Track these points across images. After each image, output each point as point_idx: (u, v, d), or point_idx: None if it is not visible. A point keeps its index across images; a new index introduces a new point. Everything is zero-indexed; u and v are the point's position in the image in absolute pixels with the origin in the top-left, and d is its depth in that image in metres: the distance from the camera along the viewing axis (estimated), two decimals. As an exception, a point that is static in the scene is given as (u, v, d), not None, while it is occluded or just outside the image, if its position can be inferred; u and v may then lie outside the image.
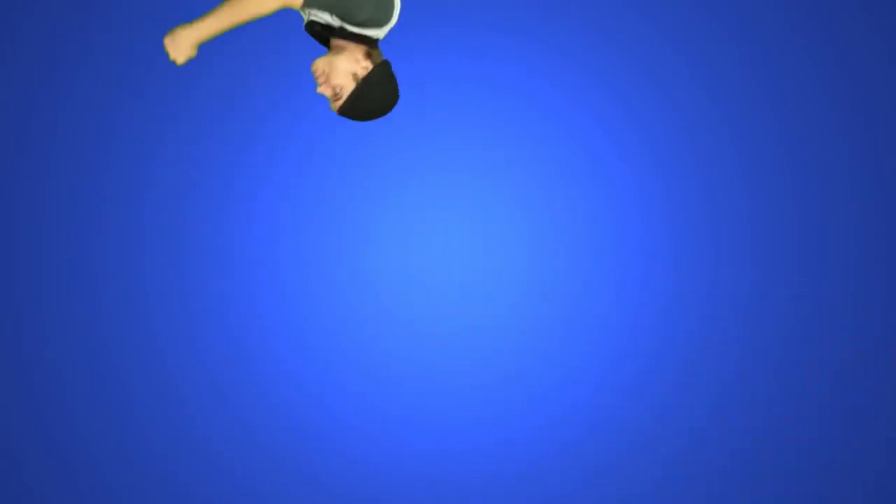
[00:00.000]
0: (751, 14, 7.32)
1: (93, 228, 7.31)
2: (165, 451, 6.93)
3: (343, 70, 3.71)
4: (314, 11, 3.68)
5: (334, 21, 3.70)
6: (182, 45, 3.76)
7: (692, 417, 7.13)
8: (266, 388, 7.21)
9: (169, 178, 7.40)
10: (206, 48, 7.40)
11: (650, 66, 7.40)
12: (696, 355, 7.25)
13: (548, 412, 7.26)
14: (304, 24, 3.85)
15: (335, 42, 3.74)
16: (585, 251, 7.45)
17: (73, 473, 6.71)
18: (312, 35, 3.81)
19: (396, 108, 7.56)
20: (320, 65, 3.74)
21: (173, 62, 3.76)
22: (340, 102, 3.75)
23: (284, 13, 4.15)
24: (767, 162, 7.34)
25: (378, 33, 3.72)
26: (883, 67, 7.21)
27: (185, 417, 7.10)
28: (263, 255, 7.41)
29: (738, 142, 7.37)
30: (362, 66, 3.72)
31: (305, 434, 7.17)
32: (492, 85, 7.47)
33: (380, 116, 3.72)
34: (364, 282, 7.47)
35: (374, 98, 3.70)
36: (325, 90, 3.76)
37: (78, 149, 7.34)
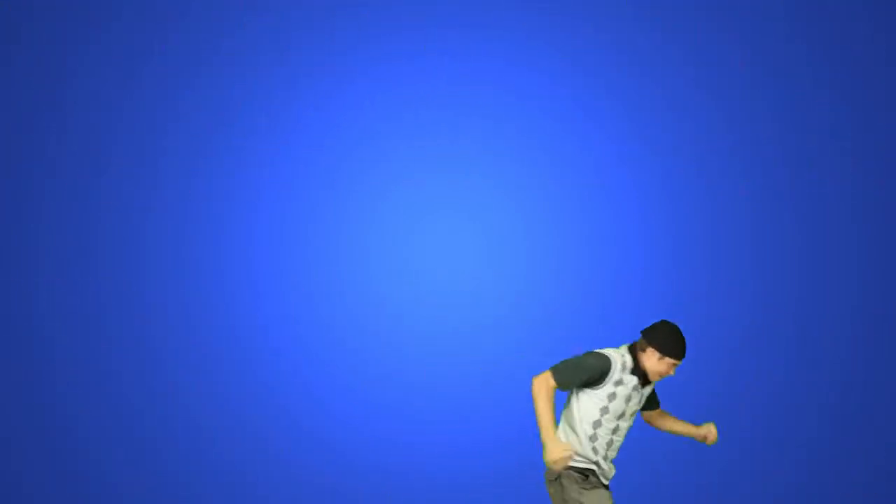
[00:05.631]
0: (751, 15, 7.32)
1: (95, 230, 7.31)
2: (168, 451, 6.93)
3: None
4: None
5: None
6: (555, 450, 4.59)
7: (691, 417, 7.12)
8: (268, 388, 7.20)
9: (170, 178, 7.40)
10: (207, 48, 7.41)
11: (651, 67, 7.40)
12: (695, 355, 7.24)
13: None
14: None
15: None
16: (586, 252, 7.44)
17: (74, 474, 6.70)
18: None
19: (398, 109, 7.55)
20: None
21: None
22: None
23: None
24: (769, 163, 7.34)
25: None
26: (882, 67, 7.21)
27: (187, 417, 7.09)
28: (264, 255, 7.41)
29: (739, 143, 7.36)
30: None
31: (304, 433, 7.17)
32: (491, 85, 7.47)
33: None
34: (364, 282, 7.47)
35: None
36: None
37: (78, 151, 7.34)
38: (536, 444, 7.13)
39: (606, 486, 4.72)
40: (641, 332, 4.74)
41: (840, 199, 7.23)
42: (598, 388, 4.62)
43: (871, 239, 7.18)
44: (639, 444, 7.03)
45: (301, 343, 7.24)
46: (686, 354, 4.77)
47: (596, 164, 7.42)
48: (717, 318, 7.22)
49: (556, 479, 4.68)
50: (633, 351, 4.69)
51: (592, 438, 4.65)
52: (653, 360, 4.66)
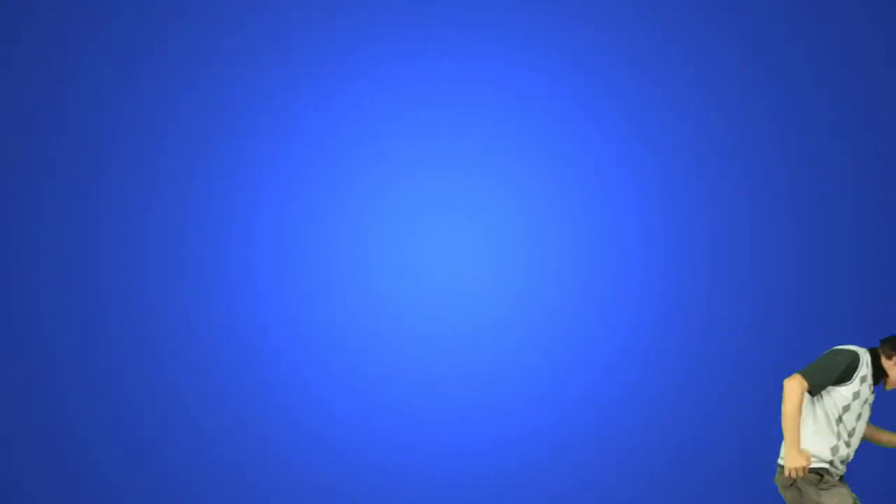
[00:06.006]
0: (751, 15, 7.31)
1: (95, 230, 7.31)
2: (168, 451, 6.93)
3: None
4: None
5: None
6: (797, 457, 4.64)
7: (691, 417, 7.13)
8: (268, 388, 7.20)
9: (170, 178, 7.40)
10: (207, 48, 7.41)
11: (651, 67, 7.39)
12: (695, 355, 7.25)
13: (547, 411, 7.25)
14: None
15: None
16: (586, 252, 7.44)
17: (74, 474, 6.70)
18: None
19: (398, 109, 7.54)
20: None
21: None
22: None
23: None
24: (769, 163, 7.34)
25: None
26: (882, 67, 7.20)
27: (187, 417, 7.09)
28: (264, 255, 7.41)
29: (739, 143, 7.36)
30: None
31: (304, 433, 7.17)
32: (491, 85, 7.47)
33: None
34: (364, 282, 7.46)
35: None
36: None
37: (78, 151, 7.34)
38: (536, 445, 7.14)
39: (841, 479, 4.81)
40: (883, 341, 4.91)
41: (840, 199, 7.22)
42: (845, 385, 4.73)
43: (871, 239, 7.18)
44: (640, 444, 7.03)
45: (301, 343, 7.24)
46: None
47: (596, 164, 7.42)
48: (717, 318, 7.22)
49: (791, 484, 4.78)
50: (875, 356, 4.84)
51: (834, 436, 4.76)
52: None
